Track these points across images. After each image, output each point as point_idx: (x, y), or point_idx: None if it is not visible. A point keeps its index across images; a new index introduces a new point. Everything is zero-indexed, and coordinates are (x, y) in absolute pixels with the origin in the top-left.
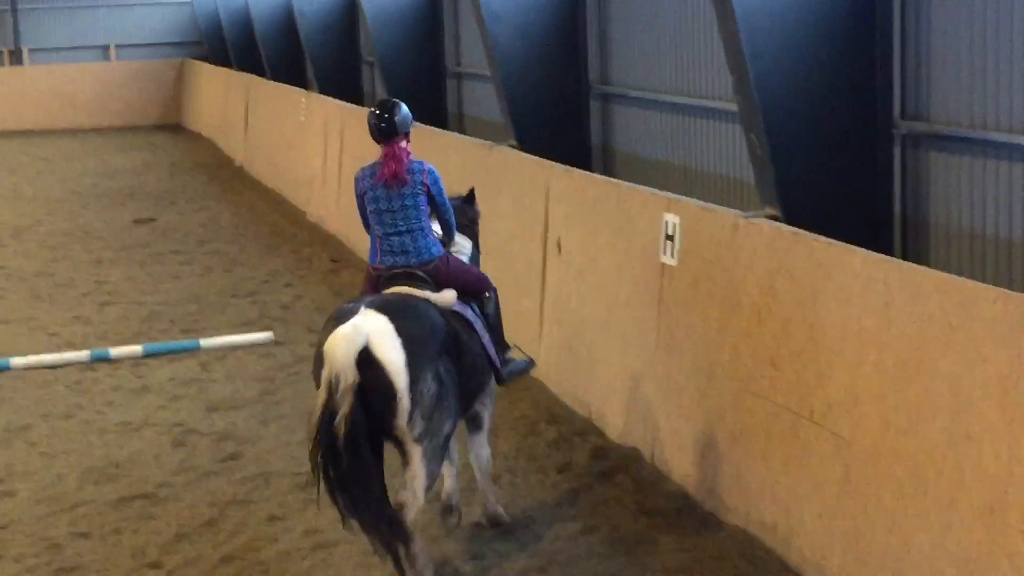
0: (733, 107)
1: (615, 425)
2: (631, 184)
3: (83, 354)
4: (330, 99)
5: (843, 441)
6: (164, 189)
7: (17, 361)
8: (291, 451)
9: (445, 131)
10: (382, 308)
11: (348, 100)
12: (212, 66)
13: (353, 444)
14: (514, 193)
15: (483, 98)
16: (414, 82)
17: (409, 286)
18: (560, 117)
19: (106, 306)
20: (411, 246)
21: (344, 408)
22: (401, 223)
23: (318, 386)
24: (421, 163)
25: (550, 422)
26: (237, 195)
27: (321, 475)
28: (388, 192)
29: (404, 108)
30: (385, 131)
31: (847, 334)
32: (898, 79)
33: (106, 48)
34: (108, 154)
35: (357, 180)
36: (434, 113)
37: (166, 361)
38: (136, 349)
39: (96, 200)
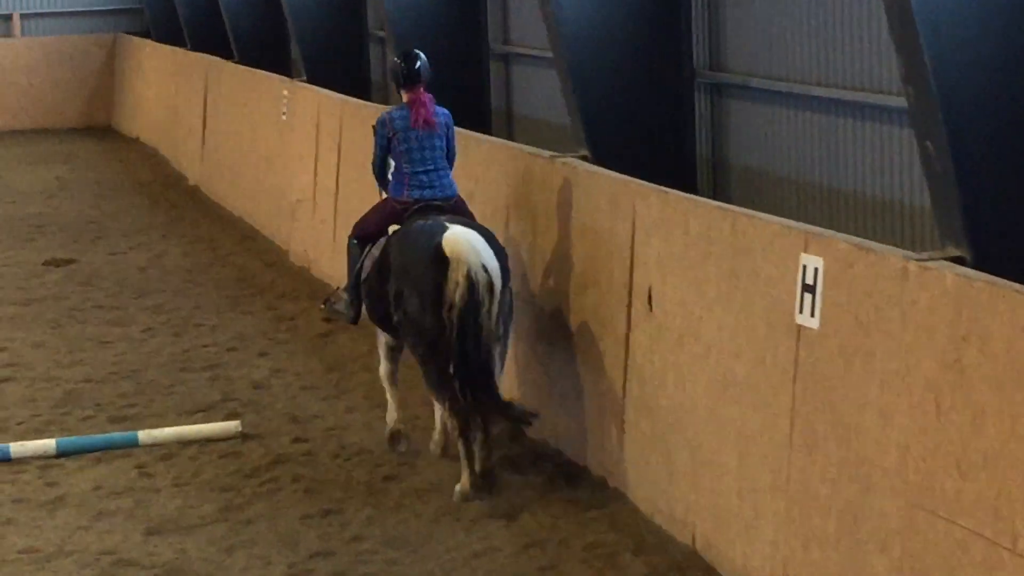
0: (901, 102)
1: (730, 557)
2: (752, 212)
3: None
4: (323, 90)
5: None
6: (87, 218)
7: None
8: None
9: (487, 136)
10: (467, 225)
11: (348, 91)
12: (156, 44)
13: (494, 331)
14: (586, 224)
15: (541, 89)
16: (445, 65)
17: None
18: (653, 117)
19: (5, 383)
20: (437, 182)
21: (485, 300)
22: (430, 162)
23: (413, 288)
24: (441, 108)
25: (637, 552)
26: (191, 227)
27: (446, 358)
28: (419, 134)
29: (424, 57)
30: (412, 78)
31: None
32: None
33: (7, 18)
34: (7, 169)
35: (384, 123)
36: (472, 109)
37: (89, 462)
38: (47, 445)
39: None
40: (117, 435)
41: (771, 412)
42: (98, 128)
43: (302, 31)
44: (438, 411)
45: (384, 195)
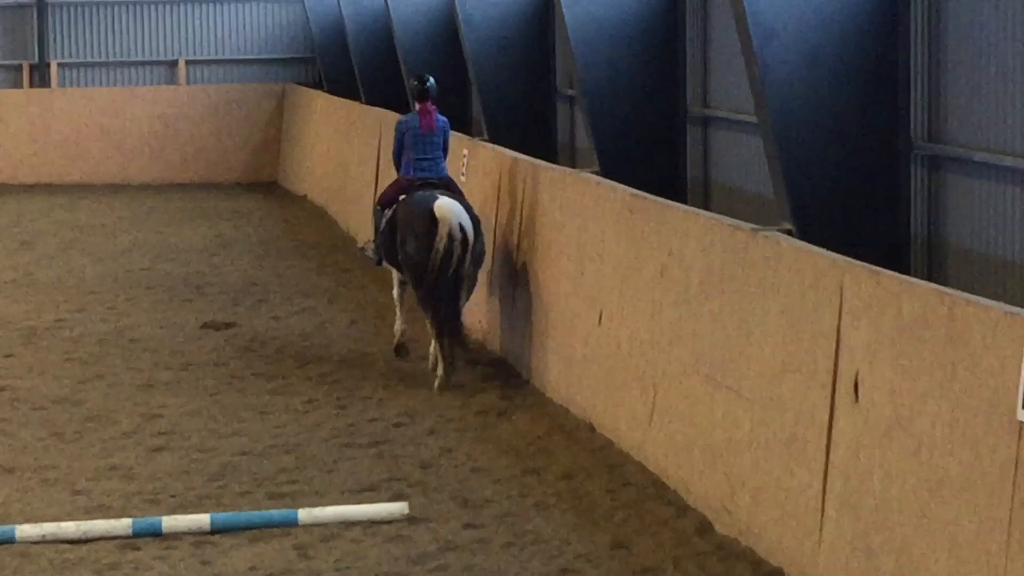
0: None
1: None
2: (972, 297)
3: (122, 524)
4: (506, 151)
5: None
6: (249, 280)
7: (26, 530)
8: None
9: (683, 205)
10: (452, 197)
11: (533, 152)
12: (328, 96)
13: (465, 272)
14: (788, 303)
15: (742, 156)
16: (638, 127)
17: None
18: (864, 190)
19: (158, 453)
20: (434, 167)
21: (459, 250)
22: (430, 153)
23: (412, 236)
24: (441, 116)
25: None
26: (359, 292)
27: (431, 287)
28: (424, 134)
29: (432, 80)
30: (423, 95)
31: None
32: None
33: (172, 64)
34: (168, 224)
35: (400, 124)
36: (666, 175)
37: (245, 540)
38: (201, 520)
39: (148, 293)
40: (275, 513)
41: (988, 516)
42: (263, 184)
43: (484, 87)
44: (398, 309)
45: (398, 176)
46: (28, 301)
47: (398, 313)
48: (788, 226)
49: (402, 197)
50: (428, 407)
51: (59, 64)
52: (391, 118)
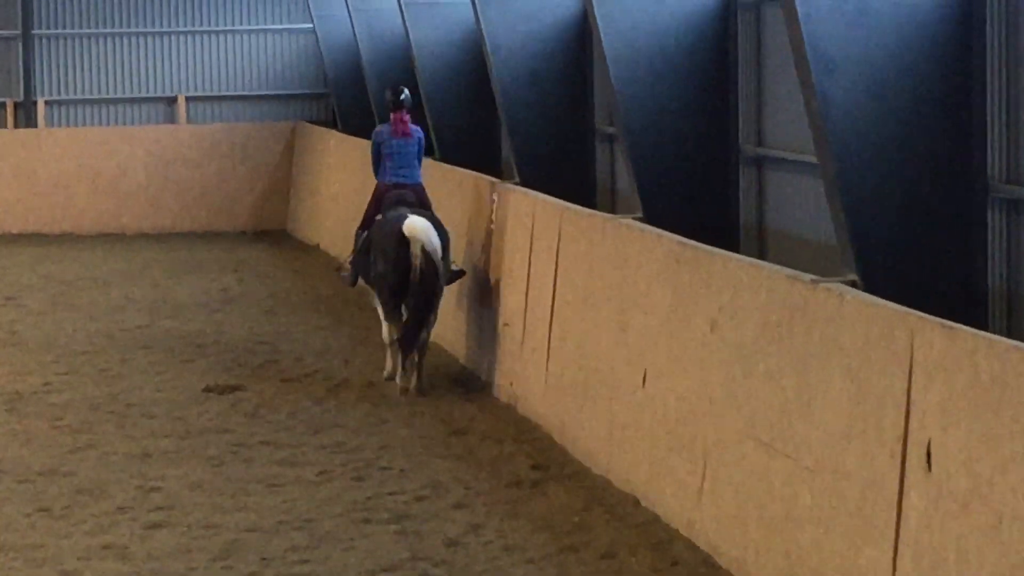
0: None
1: None
2: None
3: None
4: (539, 195)
5: None
6: (256, 338)
7: None
8: None
9: (735, 254)
10: (421, 215)
11: (569, 195)
12: (343, 136)
13: (430, 289)
14: (851, 363)
15: (801, 200)
16: (684, 166)
17: (410, 207)
18: (936, 237)
19: (155, 529)
20: (408, 173)
21: (431, 266)
22: (404, 160)
23: (382, 256)
24: (415, 126)
25: None
26: (378, 352)
27: (399, 300)
28: (398, 141)
29: (407, 91)
30: (397, 105)
31: None
32: None
33: (171, 101)
34: (167, 277)
35: (376, 134)
36: (716, 220)
37: None
38: None
39: (145, 353)
40: None
41: None
42: (272, 232)
43: (515, 125)
44: (388, 351)
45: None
46: (12, 363)
47: (387, 355)
48: (852, 277)
49: (377, 217)
50: (454, 479)
51: (46, 102)
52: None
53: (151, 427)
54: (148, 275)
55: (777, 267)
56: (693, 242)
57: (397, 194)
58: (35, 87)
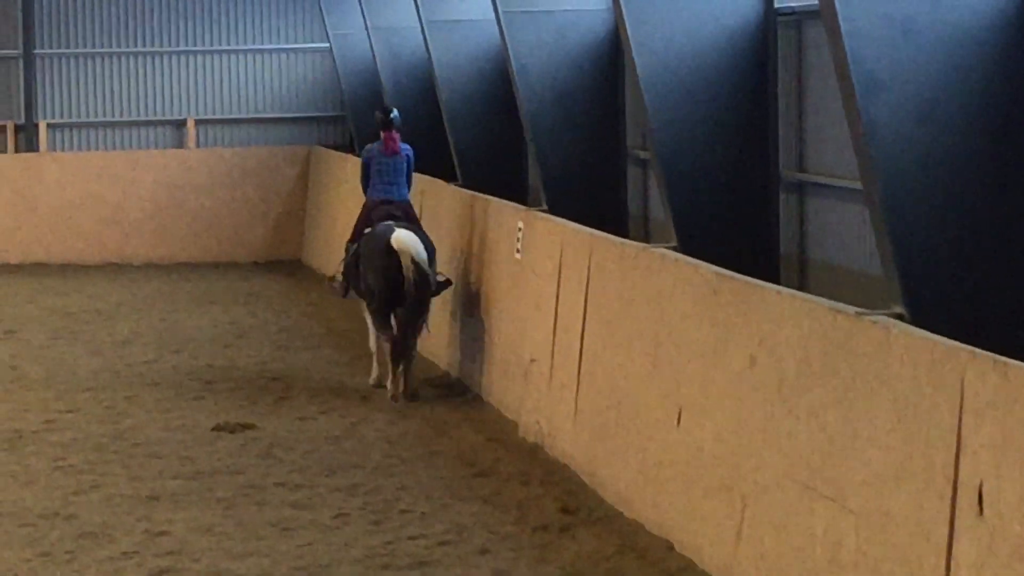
0: None
1: None
2: None
3: None
4: (569, 223)
5: None
6: (269, 374)
7: None
8: None
9: (776, 286)
10: (407, 228)
11: (600, 224)
12: (360, 161)
13: (420, 299)
14: (897, 401)
15: (844, 228)
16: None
17: (397, 220)
18: (988, 270)
19: None
20: (395, 191)
21: (421, 277)
22: (392, 178)
23: (371, 268)
24: (404, 144)
25: None
26: (396, 388)
27: (389, 310)
28: (387, 159)
29: (397, 112)
30: (387, 125)
31: None
32: None
33: (179, 125)
34: (175, 310)
35: (367, 152)
36: (756, 250)
37: None
38: None
39: (152, 390)
40: None
41: None
42: (285, 262)
43: (543, 149)
44: (375, 359)
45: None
46: (12, 400)
47: (374, 363)
48: (899, 309)
49: (367, 231)
50: (478, 523)
51: (48, 124)
52: (436, 186)
53: (158, 468)
54: (155, 307)
55: (819, 299)
56: (731, 273)
57: (385, 209)
58: (37, 109)
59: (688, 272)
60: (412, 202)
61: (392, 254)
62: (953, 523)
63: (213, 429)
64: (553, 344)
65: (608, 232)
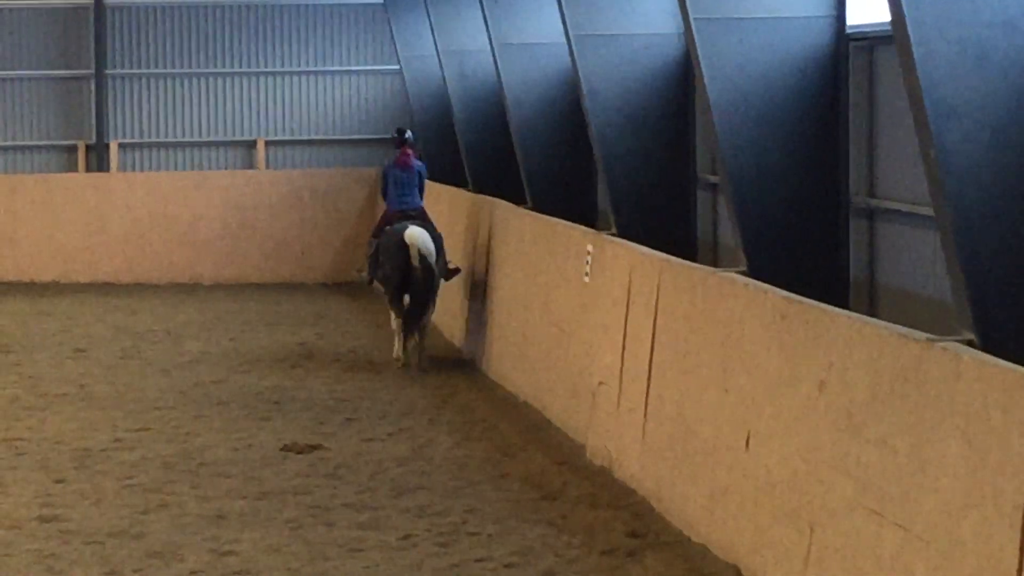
0: None
1: None
2: None
3: None
4: (638, 247)
5: None
6: (336, 395)
7: None
8: None
9: (845, 311)
10: (419, 226)
11: (670, 248)
12: (430, 182)
13: (427, 284)
14: (968, 428)
15: (915, 254)
16: (791, 218)
17: (412, 220)
18: None
19: None
20: (411, 200)
21: (427, 266)
22: (406, 188)
23: (387, 259)
24: (417, 160)
25: None
26: (464, 411)
27: (401, 294)
28: (402, 173)
29: (410, 131)
30: (402, 143)
31: None
32: None
33: (249, 146)
34: (243, 330)
35: (386, 166)
36: (824, 275)
37: None
38: None
39: (219, 410)
40: None
41: None
42: (353, 283)
43: (612, 173)
44: (396, 337)
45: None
46: (81, 418)
47: (396, 340)
48: (969, 336)
49: (386, 227)
50: (544, 546)
51: (120, 144)
52: (503, 208)
53: (226, 487)
54: (223, 328)
55: (889, 325)
56: (800, 298)
57: (403, 213)
58: (108, 129)
59: (757, 297)
60: (475, 221)
61: (403, 247)
62: (1022, 551)
63: (281, 449)
64: (621, 367)
65: (677, 256)
